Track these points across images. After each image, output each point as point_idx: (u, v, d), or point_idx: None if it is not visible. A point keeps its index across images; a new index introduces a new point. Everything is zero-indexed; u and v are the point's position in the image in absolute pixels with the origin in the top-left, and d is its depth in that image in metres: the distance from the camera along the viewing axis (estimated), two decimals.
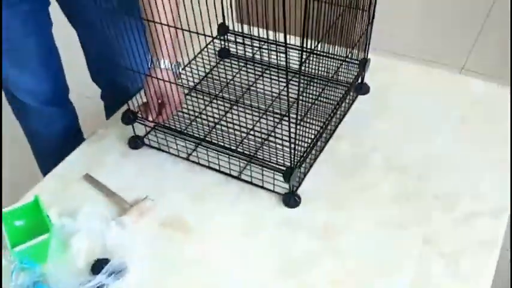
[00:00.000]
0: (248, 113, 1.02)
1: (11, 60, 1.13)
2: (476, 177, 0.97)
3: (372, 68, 1.13)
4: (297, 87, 0.84)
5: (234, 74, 1.16)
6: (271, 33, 1.19)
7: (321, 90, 1.00)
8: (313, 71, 0.98)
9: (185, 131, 1.03)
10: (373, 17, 1.04)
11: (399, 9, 2.47)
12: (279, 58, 1.17)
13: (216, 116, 1.05)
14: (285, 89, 1.11)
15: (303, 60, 0.81)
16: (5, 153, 1.78)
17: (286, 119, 1.02)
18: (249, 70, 1.16)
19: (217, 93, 1.11)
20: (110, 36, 0.95)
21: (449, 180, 0.96)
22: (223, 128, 1.02)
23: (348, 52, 1.05)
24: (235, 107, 1.07)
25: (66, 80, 1.28)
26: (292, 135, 0.85)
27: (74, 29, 1.21)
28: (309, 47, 0.83)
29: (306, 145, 0.94)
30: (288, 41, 0.76)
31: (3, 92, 1.27)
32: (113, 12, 0.94)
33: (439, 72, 1.21)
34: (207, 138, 1.01)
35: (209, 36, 0.96)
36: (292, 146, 0.87)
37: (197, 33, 0.90)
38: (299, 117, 0.85)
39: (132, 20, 0.91)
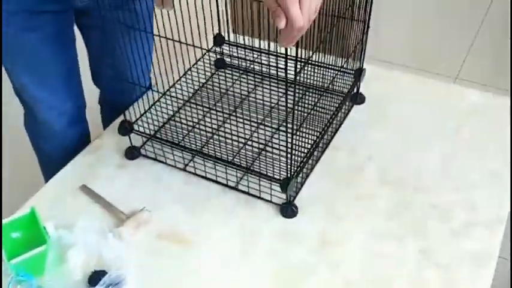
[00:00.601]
0: (246, 123, 1.03)
1: (33, 79, 1.11)
2: (472, 188, 0.97)
3: (367, 78, 1.14)
4: (292, 98, 0.84)
5: (230, 84, 1.16)
6: (265, 42, 1.19)
7: (316, 100, 1.01)
8: (308, 81, 0.99)
9: (181, 142, 1.03)
10: (368, 27, 1.05)
11: (394, 19, 2.49)
12: (278, 68, 1.17)
13: (213, 126, 1.05)
14: (281, 99, 1.12)
15: (298, 70, 0.81)
16: (5, 153, 1.77)
17: (283, 129, 1.03)
18: (244, 80, 1.17)
19: (213, 104, 1.11)
20: (109, 43, 0.95)
21: (446, 190, 0.97)
22: (220, 138, 1.02)
23: (343, 62, 1.06)
24: (232, 117, 1.07)
25: (84, 96, 1.26)
26: (289, 145, 0.86)
27: (78, 29, 1.19)
28: (304, 56, 0.84)
29: (302, 155, 0.95)
30: (283, 51, 0.76)
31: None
32: (116, 23, 0.93)
33: (433, 82, 1.22)
34: (203, 150, 1.01)
35: (203, 48, 0.97)
36: (289, 156, 0.87)
37: (192, 45, 0.91)
38: (295, 128, 0.85)
39: (137, 33, 0.91)
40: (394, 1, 2.57)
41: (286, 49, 0.76)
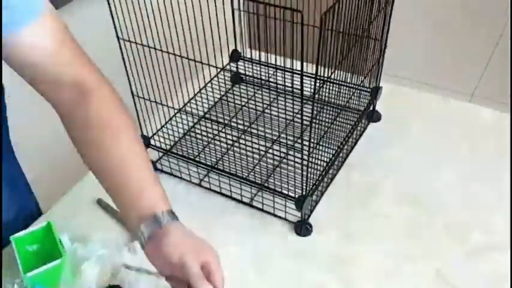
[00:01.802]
0: (261, 138, 1.03)
1: None
2: (487, 209, 0.96)
3: (384, 95, 1.13)
4: (308, 115, 0.84)
5: (247, 99, 1.17)
6: (281, 59, 1.20)
7: (333, 118, 1.00)
8: (325, 98, 0.99)
9: (197, 158, 1.03)
10: (385, 47, 1.05)
11: (410, 36, 2.49)
12: (294, 84, 1.18)
13: (228, 142, 1.05)
14: (297, 115, 1.12)
15: (317, 89, 0.82)
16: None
17: (298, 146, 1.03)
18: (259, 96, 1.17)
19: (229, 119, 1.12)
20: None
21: (460, 211, 0.96)
22: (235, 154, 1.02)
23: (360, 80, 1.06)
24: (247, 133, 1.07)
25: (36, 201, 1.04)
26: (305, 163, 0.86)
27: None
28: (322, 75, 0.84)
29: (318, 173, 0.95)
30: (300, 68, 0.77)
31: None
32: None
33: (449, 100, 1.22)
34: (218, 165, 1.02)
35: (218, 67, 0.97)
36: (305, 174, 0.87)
37: (207, 64, 0.92)
38: (312, 146, 0.85)
39: None
40: (411, 18, 2.57)
41: (302, 66, 0.76)
